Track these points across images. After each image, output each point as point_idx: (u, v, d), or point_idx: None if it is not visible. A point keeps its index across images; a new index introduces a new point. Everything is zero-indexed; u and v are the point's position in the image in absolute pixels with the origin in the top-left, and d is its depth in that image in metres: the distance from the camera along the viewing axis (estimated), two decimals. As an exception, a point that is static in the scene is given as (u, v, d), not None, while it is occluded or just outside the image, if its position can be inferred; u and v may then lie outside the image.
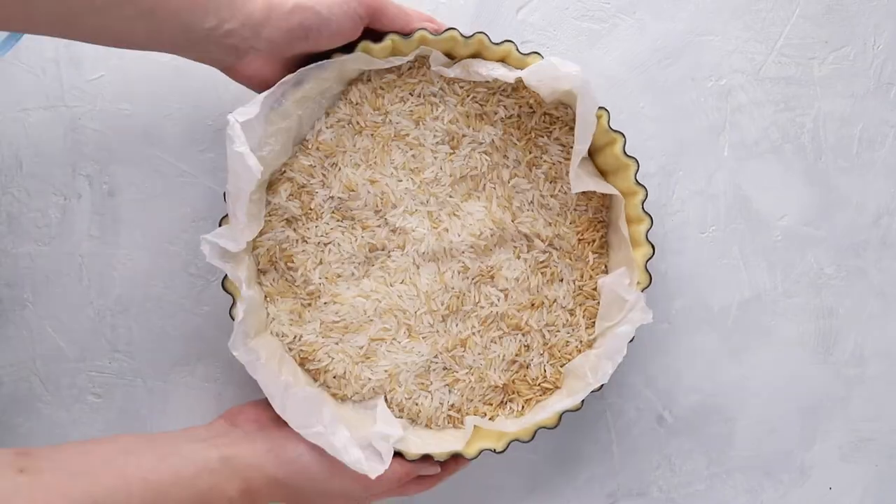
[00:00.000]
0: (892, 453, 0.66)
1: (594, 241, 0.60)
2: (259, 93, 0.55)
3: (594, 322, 0.59)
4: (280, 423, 0.54)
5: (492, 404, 0.60)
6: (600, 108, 0.55)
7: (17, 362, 0.62)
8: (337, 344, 0.59)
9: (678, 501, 0.65)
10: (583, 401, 0.55)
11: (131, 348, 0.63)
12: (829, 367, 0.65)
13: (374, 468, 0.52)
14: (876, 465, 0.66)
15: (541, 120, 0.59)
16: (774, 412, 0.65)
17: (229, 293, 0.55)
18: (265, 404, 0.56)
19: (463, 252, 0.59)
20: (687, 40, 0.64)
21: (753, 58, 0.65)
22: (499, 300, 0.59)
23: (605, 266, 0.60)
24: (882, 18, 0.65)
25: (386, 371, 0.59)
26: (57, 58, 0.62)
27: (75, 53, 0.62)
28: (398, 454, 0.55)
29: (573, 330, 0.60)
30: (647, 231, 0.56)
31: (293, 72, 0.54)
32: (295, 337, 0.59)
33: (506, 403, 0.60)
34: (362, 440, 0.54)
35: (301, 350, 0.59)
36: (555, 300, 0.60)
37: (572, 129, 0.59)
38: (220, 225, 0.54)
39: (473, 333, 0.59)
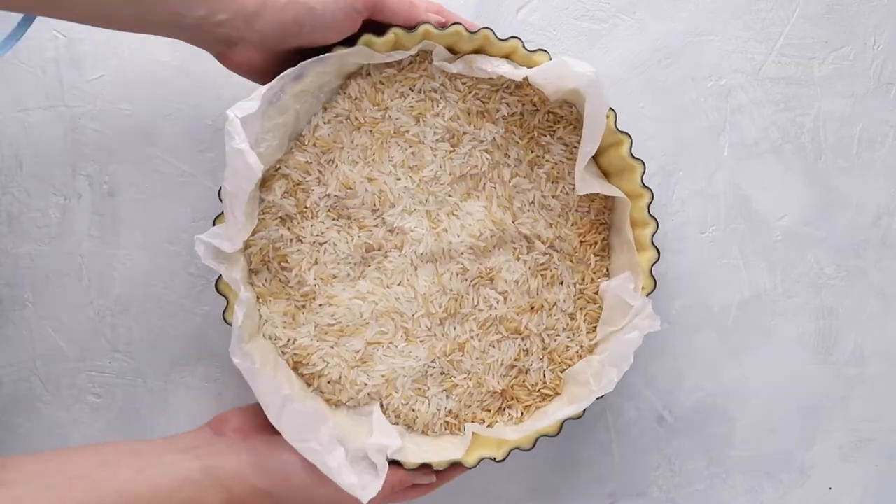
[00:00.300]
0: (892, 453, 0.66)
1: (596, 243, 0.59)
2: (251, 80, 0.54)
3: (595, 327, 0.58)
4: (265, 430, 0.53)
5: (490, 410, 0.58)
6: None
7: (17, 362, 0.62)
8: (332, 348, 0.57)
9: (678, 501, 0.65)
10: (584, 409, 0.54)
11: (131, 348, 0.63)
12: (829, 367, 0.65)
13: (368, 491, 0.51)
14: (876, 465, 0.66)
15: (544, 118, 0.58)
16: (774, 412, 0.65)
17: (223, 295, 0.54)
18: (252, 411, 0.55)
19: (462, 253, 0.57)
20: (687, 40, 0.64)
21: (753, 58, 0.65)
22: (498, 303, 0.58)
23: (607, 269, 0.59)
24: (882, 18, 0.65)
25: (382, 376, 0.57)
26: (57, 58, 0.62)
27: (75, 53, 0.62)
28: (394, 461, 0.54)
29: (574, 334, 0.58)
30: (653, 235, 0.55)
31: (288, 63, 0.53)
32: (288, 340, 0.57)
33: (504, 410, 0.58)
34: (358, 451, 0.53)
35: (294, 354, 0.57)
36: (555, 303, 0.58)
37: (576, 128, 0.58)
38: (213, 224, 0.53)
39: (472, 337, 0.58)
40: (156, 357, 0.63)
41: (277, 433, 0.51)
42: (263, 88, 0.51)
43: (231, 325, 0.52)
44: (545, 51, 0.55)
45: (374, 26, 0.54)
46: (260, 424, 0.54)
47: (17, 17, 0.55)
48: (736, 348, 0.65)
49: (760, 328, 0.65)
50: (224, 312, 0.54)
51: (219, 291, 0.54)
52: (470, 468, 0.55)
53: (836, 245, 0.65)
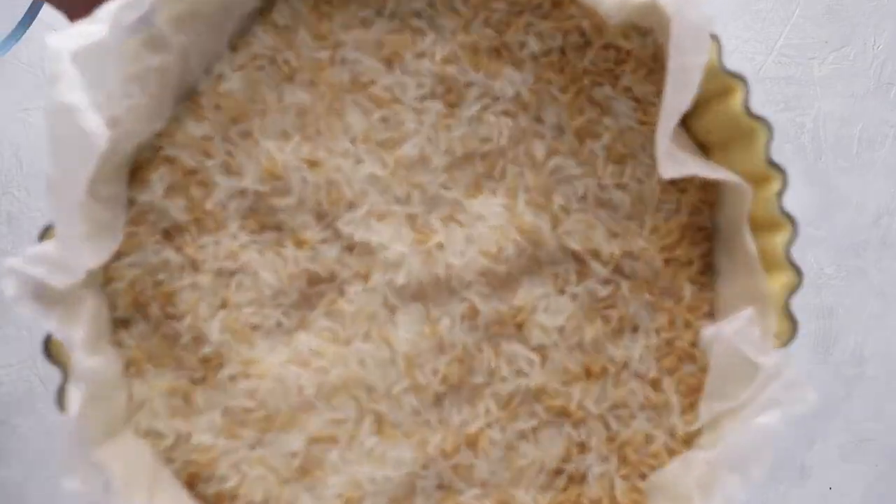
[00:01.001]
0: (892, 453, 0.66)
1: (692, 262, 0.36)
2: None
3: (695, 402, 0.36)
4: None
5: None
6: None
7: (16, 362, 0.63)
8: (252, 449, 0.34)
9: (678, 501, 0.65)
10: None
11: (131, 348, 0.63)
12: (829, 367, 0.65)
13: None
14: (876, 465, 0.66)
15: (600, 57, 0.36)
16: (774, 412, 0.65)
17: (57, 364, 0.34)
18: None
19: (469, 284, 0.35)
20: (687, 40, 0.64)
21: (753, 58, 0.65)
22: (531, 366, 0.35)
23: (711, 305, 0.37)
24: (882, 18, 0.65)
25: (339, 496, 0.35)
26: (57, 58, 0.62)
27: (75, 53, 0.62)
28: None
29: (659, 416, 0.36)
30: (789, 244, 0.34)
31: None
32: (178, 437, 0.35)
33: None
34: None
35: (189, 461, 0.35)
36: (625, 364, 0.36)
37: (653, 71, 0.35)
38: (40, 240, 0.34)
39: (489, 425, 0.35)
40: (156, 357, 0.63)
41: None
42: (114, 3, 0.28)
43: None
44: None
45: None
46: None
47: (17, 16, 0.55)
48: (736, 348, 0.65)
49: (760, 328, 0.65)
50: (58, 394, 0.33)
51: (49, 358, 0.34)
52: None
53: (836, 245, 0.65)
